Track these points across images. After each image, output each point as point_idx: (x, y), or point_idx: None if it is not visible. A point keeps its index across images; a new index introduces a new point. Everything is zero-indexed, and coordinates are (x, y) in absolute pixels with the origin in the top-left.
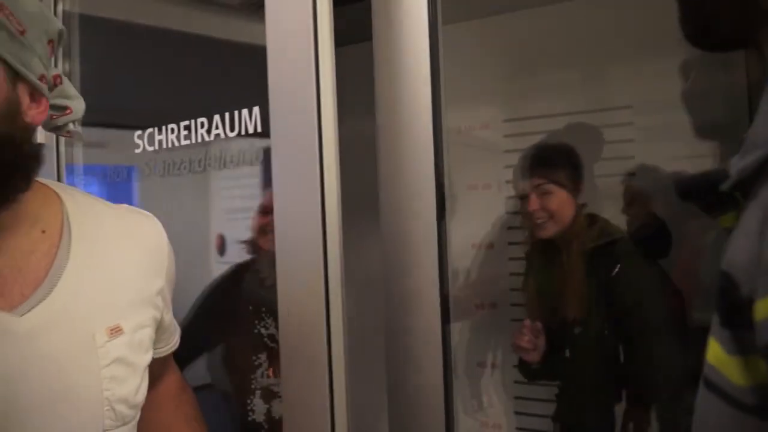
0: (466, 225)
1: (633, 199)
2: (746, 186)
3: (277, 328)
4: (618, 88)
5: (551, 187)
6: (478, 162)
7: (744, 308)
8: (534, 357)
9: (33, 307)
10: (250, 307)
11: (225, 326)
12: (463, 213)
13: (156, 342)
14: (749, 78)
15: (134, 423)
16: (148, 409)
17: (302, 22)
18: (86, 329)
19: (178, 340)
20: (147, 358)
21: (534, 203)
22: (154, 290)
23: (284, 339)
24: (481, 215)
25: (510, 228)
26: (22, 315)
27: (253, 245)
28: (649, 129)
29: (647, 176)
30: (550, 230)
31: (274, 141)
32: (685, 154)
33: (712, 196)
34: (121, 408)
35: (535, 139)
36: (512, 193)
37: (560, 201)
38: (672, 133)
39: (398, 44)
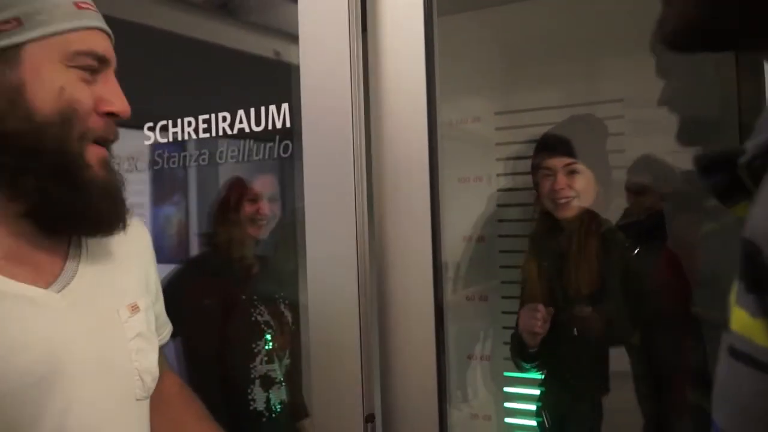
0: (457, 218)
1: (643, 189)
2: (762, 163)
3: (270, 314)
4: (609, 81)
5: (580, 167)
6: (469, 155)
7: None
8: (537, 341)
9: (65, 286)
10: (243, 297)
11: (213, 319)
12: (454, 206)
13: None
14: (739, 75)
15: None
16: (157, 409)
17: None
18: (111, 306)
19: (169, 333)
20: (156, 337)
21: (562, 182)
22: (150, 279)
23: (314, 332)
24: (472, 208)
25: (501, 221)
26: (59, 292)
27: (238, 235)
28: (640, 122)
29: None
30: (573, 210)
31: (306, 137)
32: (675, 149)
33: (730, 176)
34: (147, 379)
35: (527, 132)
36: (503, 185)
37: (587, 181)
38: (662, 126)
39: (393, 35)
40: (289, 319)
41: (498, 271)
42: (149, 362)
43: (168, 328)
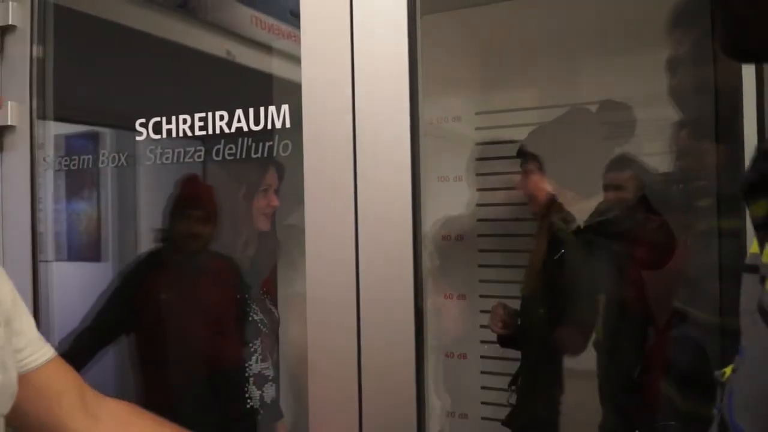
0: (437, 217)
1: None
2: None
3: (263, 313)
4: (589, 83)
5: (529, 167)
6: (449, 154)
7: None
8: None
9: None
10: (238, 296)
11: (208, 319)
12: (434, 204)
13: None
14: (716, 77)
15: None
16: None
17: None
18: None
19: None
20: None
21: (516, 182)
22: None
23: (312, 331)
24: (451, 207)
25: (480, 220)
26: None
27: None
28: (619, 125)
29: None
30: (530, 208)
31: (307, 138)
32: (652, 151)
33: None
34: (7, 394)
35: (507, 132)
36: (483, 185)
37: (533, 181)
38: (640, 129)
39: (377, 33)
40: (277, 315)
41: (476, 270)
42: (11, 378)
43: (48, 347)
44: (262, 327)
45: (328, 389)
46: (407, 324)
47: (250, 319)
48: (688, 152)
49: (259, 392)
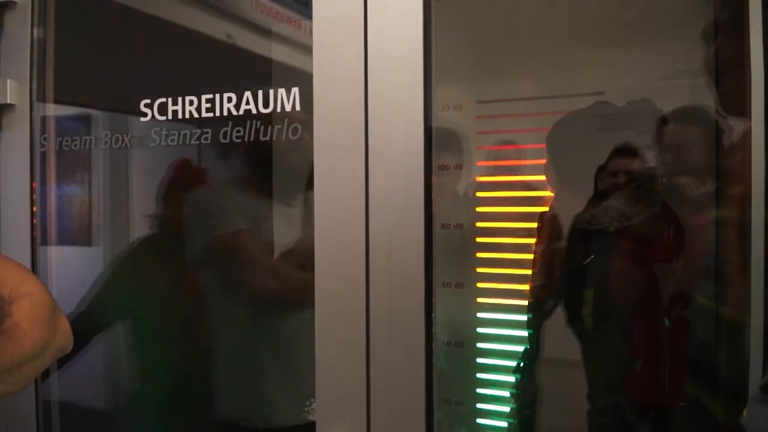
0: (437, 205)
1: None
2: None
3: None
4: (591, 73)
5: None
6: (449, 142)
7: None
8: None
9: None
10: None
11: None
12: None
13: None
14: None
15: None
16: None
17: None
18: None
19: None
20: None
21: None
22: None
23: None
24: (451, 196)
25: (479, 209)
26: None
27: None
28: (620, 116)
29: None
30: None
31: (317, 124)
32: (648, 143)
33: None
34: None
35: (508, 122)
36: (483, 174)
37: None
38: (643, 121)
39: (391, 17)
40: None
41: (474, 259)
42: None
43: None
44: None
45: (335, 382)
46: (417, 311)
47: None
48: (675, 146)
49: None
